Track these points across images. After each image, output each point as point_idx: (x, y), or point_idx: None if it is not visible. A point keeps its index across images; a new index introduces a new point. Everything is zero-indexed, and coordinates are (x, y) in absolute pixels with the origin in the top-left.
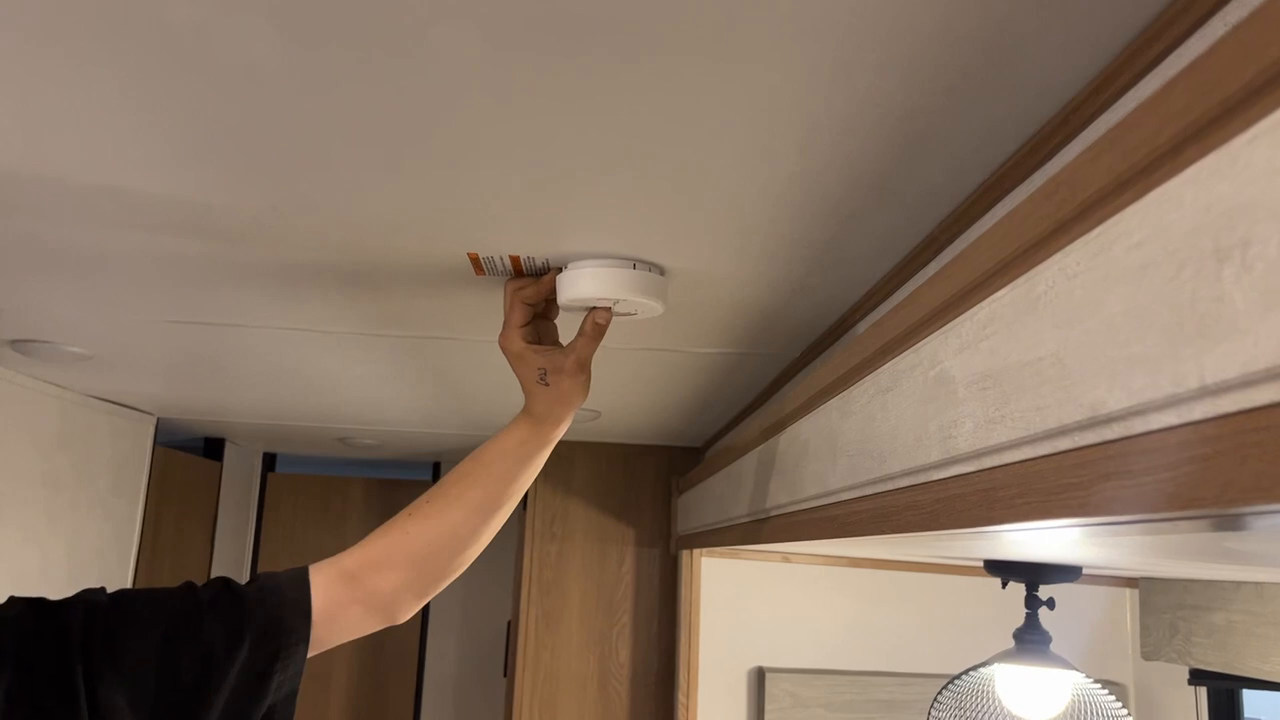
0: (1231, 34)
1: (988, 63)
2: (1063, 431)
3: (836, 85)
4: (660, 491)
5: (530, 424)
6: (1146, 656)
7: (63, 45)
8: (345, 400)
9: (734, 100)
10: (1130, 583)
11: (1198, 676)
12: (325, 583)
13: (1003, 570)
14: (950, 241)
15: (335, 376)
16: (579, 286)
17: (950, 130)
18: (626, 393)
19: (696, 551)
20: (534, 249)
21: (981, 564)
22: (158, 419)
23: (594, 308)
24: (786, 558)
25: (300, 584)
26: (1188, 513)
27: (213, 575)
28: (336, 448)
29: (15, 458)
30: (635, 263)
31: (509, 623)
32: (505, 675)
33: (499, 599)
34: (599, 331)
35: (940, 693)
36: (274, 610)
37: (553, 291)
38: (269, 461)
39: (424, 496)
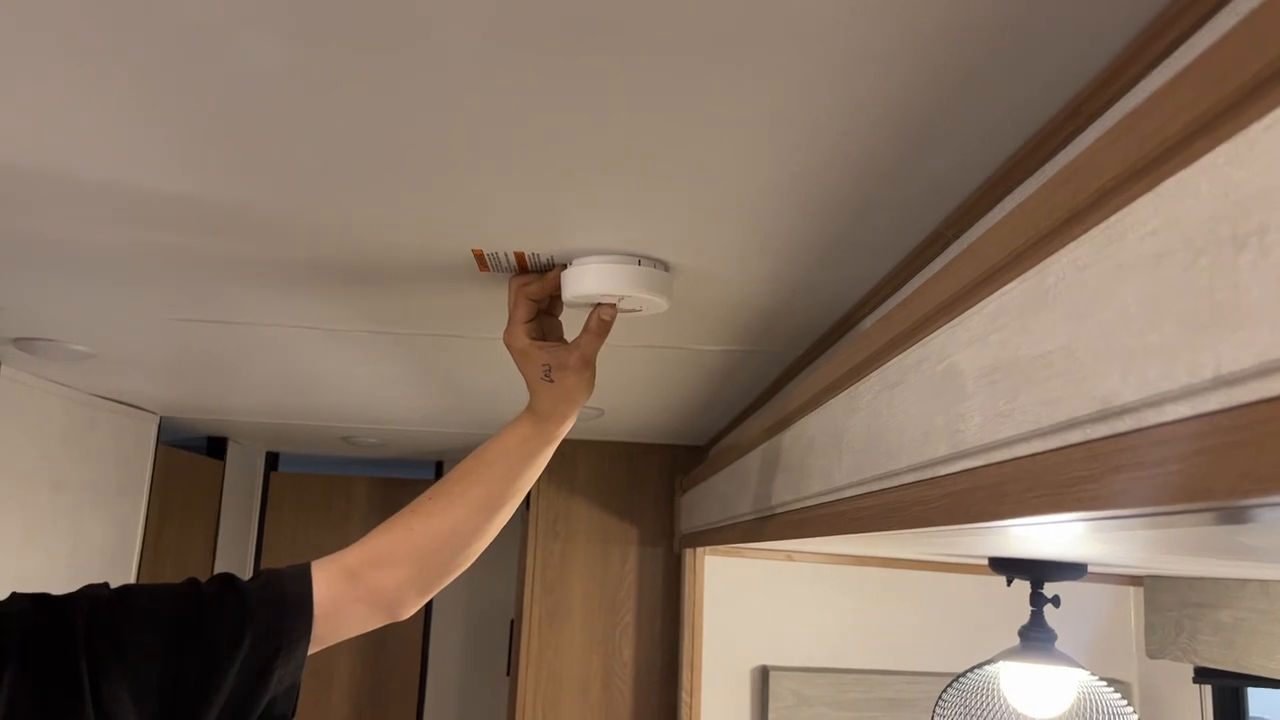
0: (1246, 21)
1: (994, 57)
2: (1074, 424)
3: (842, 81)
4: (663, 490)
5: (534, 421)
6: (1151, 654)
7: (70, 42)
8: (348, 398)
9: (738, 96)
10: (1135, 580)
11: (1203, 674)
12: (328, 579)
13: (1008, 568)
14: (957, 237)
15: (339, 374)
16: (583, 283)
17: (956, 125)
18: (630, 390)
19: (700, 550)
20: (539, 245)
21: (986, 562)
22: (161, 418)
23: (599, 304)
24: (790, 556)
25: (303, 580)
26: (1201, 505)
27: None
28: (339, 446)
29: (19, 456)
30: (640, 259)
31: (512, 621)
32: (508, 674)
33: (502, 598)
34: (604, 328)
35: (945, 691)
36: (276, 606)
37: (557, 288)
38: (272, 460)
39: (427, 493)
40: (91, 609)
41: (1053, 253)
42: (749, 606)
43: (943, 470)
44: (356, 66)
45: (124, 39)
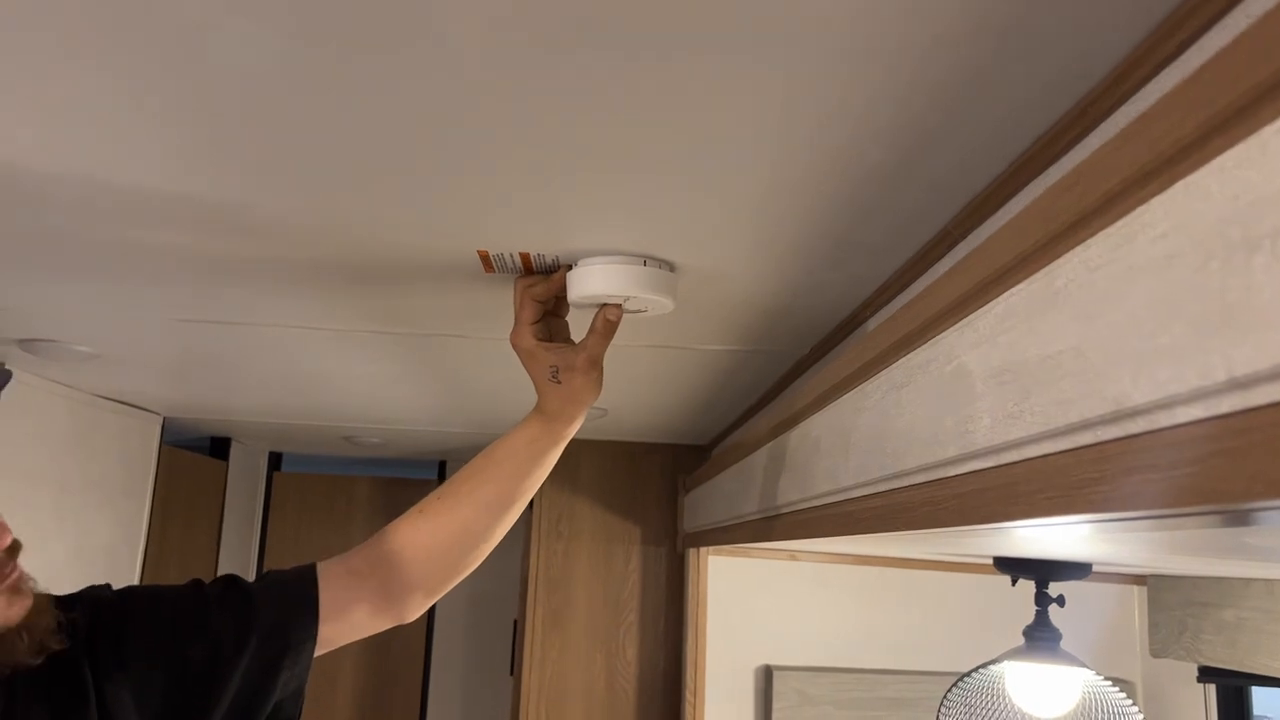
0: (1258, 24)
1: (1004, 56)
2: (1085, 425)
3: (848, 81)
4: (666, 490)
5: (542, 421)
6: (1155, 654)
7: (70, 42)
8: (352, 399)
9: (744, 97)
10: (1139, 580)
11: (1206, 674)
12: (333, 580)
13: (1013, 568)
14: (963, 237)
15: (342, 375)
16: (589, 283)
17: (964, 125)
18: (634, 390)
19: (703, 550)
20: (544, 246)
21: (990, 562)
22: (164, 418)
23: (604, 305)
24: (794, 555)
25: (308, 582)
26: (1213, 507)
27: (219, 574)
28: (342, 446)
29: (23, 457)
30: (645, 259)
31: (515, 621)
32: (512, 674)
33: (505, 598)
34: (610, 328)
35: (950, 690)
36: (281, 608)
37: (563, 289)
38: (274, 461)
39: (434, 494)
40: (94, 611)
41: (1062, 254)
42: (752, 606)
43: (952, 471)
44: (360, 66)
45: (125, 39)
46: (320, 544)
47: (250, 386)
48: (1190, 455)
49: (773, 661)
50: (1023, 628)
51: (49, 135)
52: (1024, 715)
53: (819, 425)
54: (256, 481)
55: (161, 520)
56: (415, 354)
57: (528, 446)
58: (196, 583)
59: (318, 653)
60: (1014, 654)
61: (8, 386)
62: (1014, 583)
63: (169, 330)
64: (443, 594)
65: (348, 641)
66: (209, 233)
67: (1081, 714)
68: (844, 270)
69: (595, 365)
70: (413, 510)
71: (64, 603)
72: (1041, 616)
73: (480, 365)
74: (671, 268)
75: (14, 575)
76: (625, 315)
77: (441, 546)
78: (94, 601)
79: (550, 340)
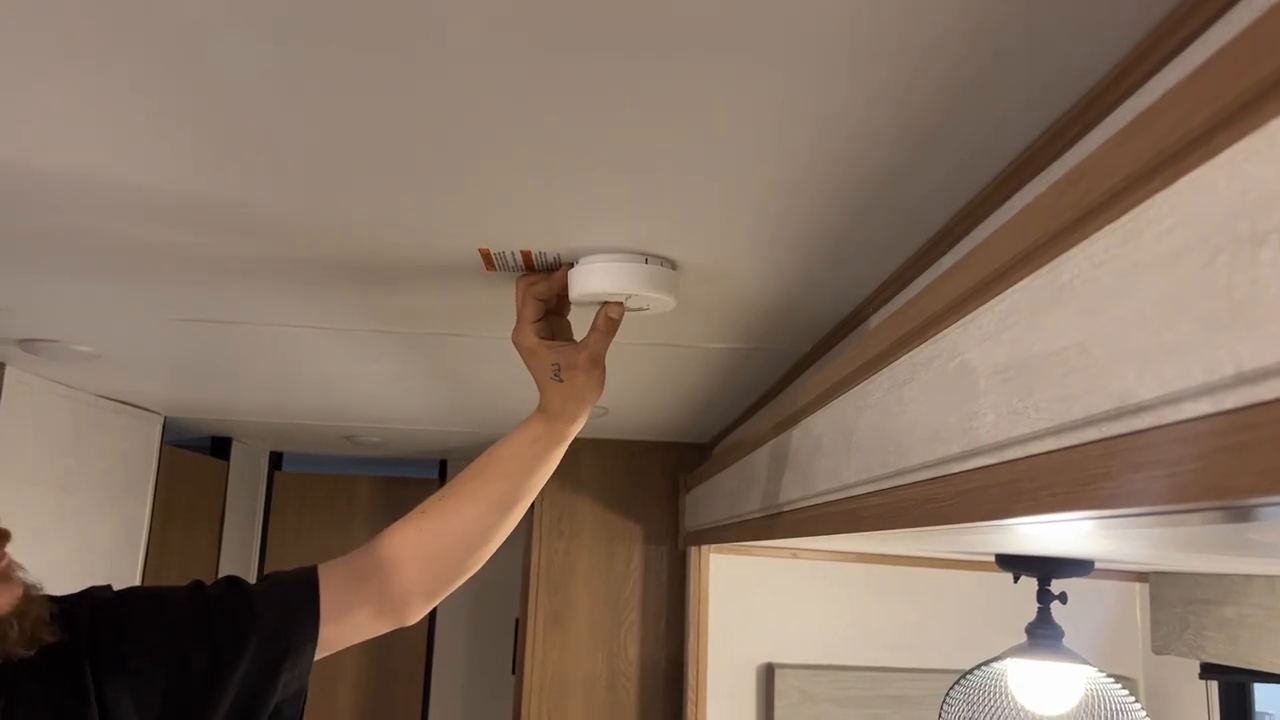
0: (1265, 17)
1: (1005, 53)
2: (1090, 422)
3: (851, 80)
4: (667, 488)
5: (545, 420)
6: (1157, 650)
7: (70, 42)
8: (353, 398)
9: (747, 95)
10: (1140, 577)
11: (1209, 670)
12: (335, 582)
13: (1015, 565)
14: (965, 234)
15: (343, 374)
16: (591, 281)
17: (965, 123)
18: (635, 389)
19: (705, 548)
20: (545, 244)
21: (993, 559)
22: (165, 418)
23: (606, 302)
24: (795, 553)
25: (309, 584)
26: (1220, 503)
27: (220, 574)
28: (343, 446)
29: (24, 458)
30: (647, 257)
31: (517, 620)
32: (513, 673)
33: (507, 597)
34: (612, 326)
35: (952, 688)
36: (282, 610)
37: (565, 287)
38: (275, 460)
39: (436, 495)
40: (94, 611)
41: (1067, 250)
42: (754, 604)
43: (955, 468)
44: (361, 66)
45: (125, 38)
46: (321, 544)
47: (251, 386)
48: (1196, 451)
49: (774, 659)
50: (1025, 625)
51: (49, 135)
52: (1027, 712)
53: (821, 423)
54: (257, 481)
55: (162, 520)
56: (416, 353)
57: (530, 445)
58: (197, 584)
59: (318, 655)
60: (1016, 651)
61: None
62: (1016, 580)
63: (170, 330)
64: (443, 597)
65: (349, 644)
66: (210, 232)
67: (1084, 711)
68: (845, 268)
69: (597, 363)
70: (415, 511)
71: (64, 603)
72: (1044, 614)
73: (481, 364)
74: (673, 265)
75: (2, 563)
76: (627, 313)
77: (444, 547)
78: (94, 602)
79: (552, 339)
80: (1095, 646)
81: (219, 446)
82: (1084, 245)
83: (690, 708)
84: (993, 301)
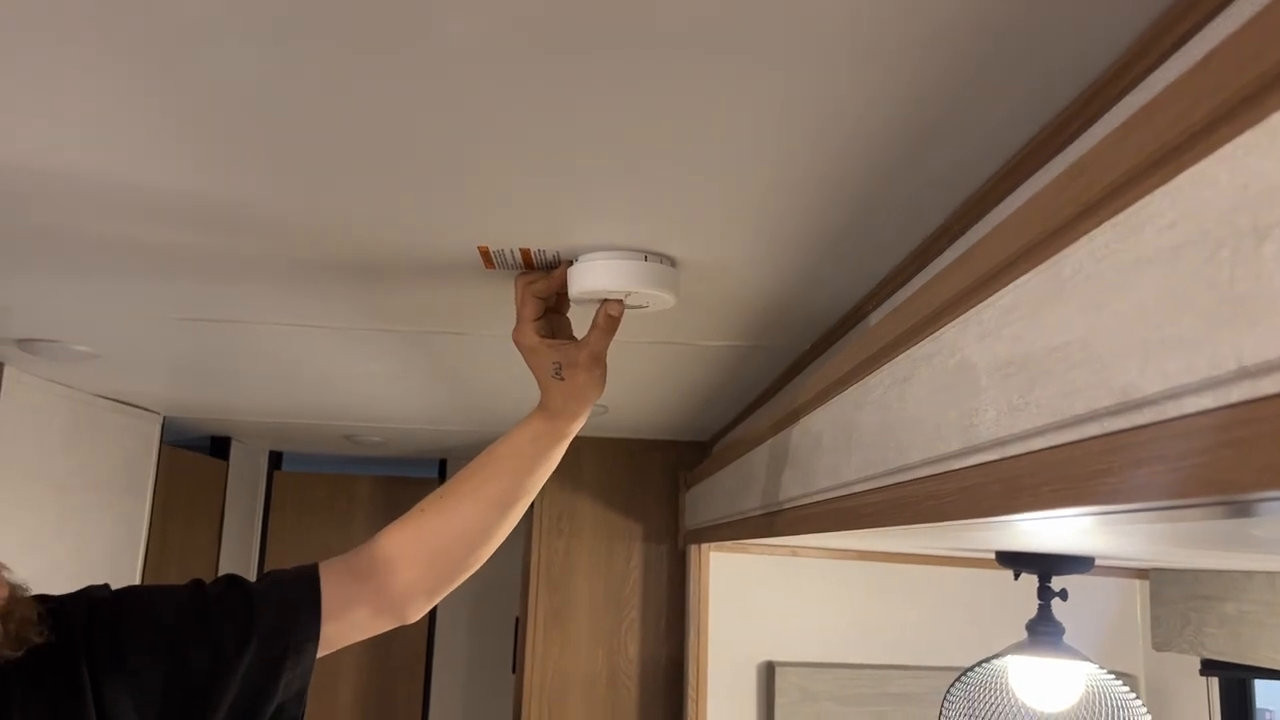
0: (1266, 11)
1: (1005, 50)
2: (1092, 417)
3: (851, 79)
4: (667, 486)
5: (545, 418)
6: (1158, 647)
7: (70, 41)
8: (352, 397)
9: (747, 93)
10: (1141, 574)
11: (1209, 667)
12: (335, 580)
13: (1015, 562)
14: (965, 230)
15: (343, 373)
16: (590, 279)
17: (965, 118)
18: (635, 387)
19: (705, 546)
20: (545, 242)
21: (993, 556)
22: (164, 418)
23: (606, 300)
24: (795, 551)
25: (310, 582)
26: (1223, 498)
27: (220, 574)
28: (343, 445)
29: (23, 458)
30: (646, 255)
31: (517, 619)
32: (514, 672)
33: (507, 596)
34: (612, 324)
35: (953, 685)
36: (283, 609)
37: (564, 285)
38: (275, 460)
39: (437, 492)
40: (91, 611)
41: (1069, 245)
42: (754, 602)
43: (956, 464)
44: (361, 65)
45: (125, 38)
46: (321, 543)
47: (250, 385)
48: (1199, 445)
49: (774, 657)
50: (1025, 622)
51: (49, 134)
52: (1027, 709)
53: (821, 420)
54: (257, 481)
55: (162, 520)
56: (416, 352)
57: (531, 444)
58: (197, 583)
59: (319, 654)
60: (1017, 648)
61: None
62: (1016, 577)
63: (169, 329)
64: (443, 595)
65: (349, 642)
66: (210, 232)
67: (1085, 707)
68: (845, 265)
69: (598, 361)
70: (415, 510)
71: (60, 602)
72: (1044, 610)
73: (481, 362)
74: (673, 263)
75: None
76: (627, 311)
77: (444, 545)
78: (91, 602)
79: (553, 337)
80: (1096, 643)
81: (218, 446)
82: (1085, 240)
83: (691, 706)
84: (993, 297)
